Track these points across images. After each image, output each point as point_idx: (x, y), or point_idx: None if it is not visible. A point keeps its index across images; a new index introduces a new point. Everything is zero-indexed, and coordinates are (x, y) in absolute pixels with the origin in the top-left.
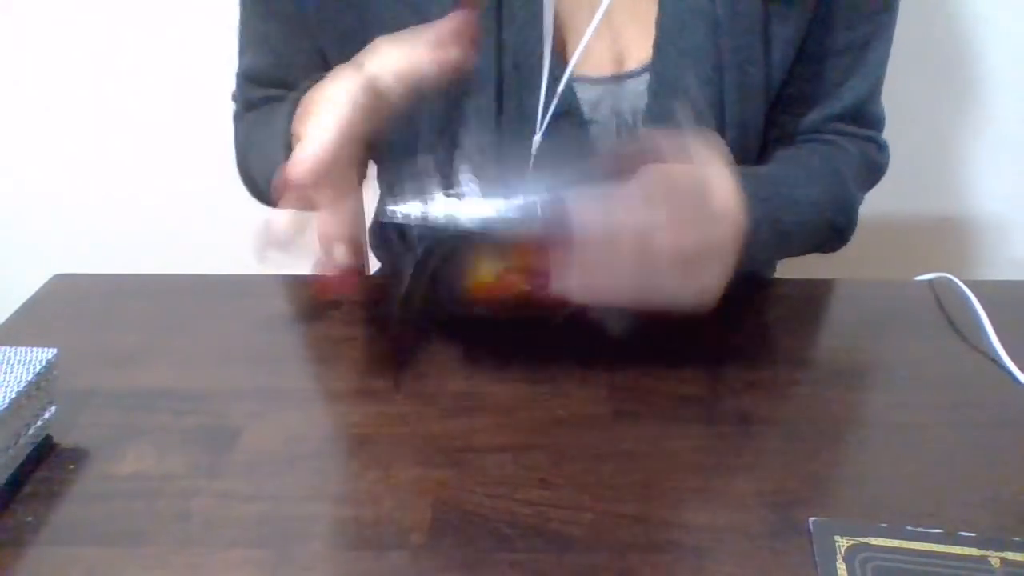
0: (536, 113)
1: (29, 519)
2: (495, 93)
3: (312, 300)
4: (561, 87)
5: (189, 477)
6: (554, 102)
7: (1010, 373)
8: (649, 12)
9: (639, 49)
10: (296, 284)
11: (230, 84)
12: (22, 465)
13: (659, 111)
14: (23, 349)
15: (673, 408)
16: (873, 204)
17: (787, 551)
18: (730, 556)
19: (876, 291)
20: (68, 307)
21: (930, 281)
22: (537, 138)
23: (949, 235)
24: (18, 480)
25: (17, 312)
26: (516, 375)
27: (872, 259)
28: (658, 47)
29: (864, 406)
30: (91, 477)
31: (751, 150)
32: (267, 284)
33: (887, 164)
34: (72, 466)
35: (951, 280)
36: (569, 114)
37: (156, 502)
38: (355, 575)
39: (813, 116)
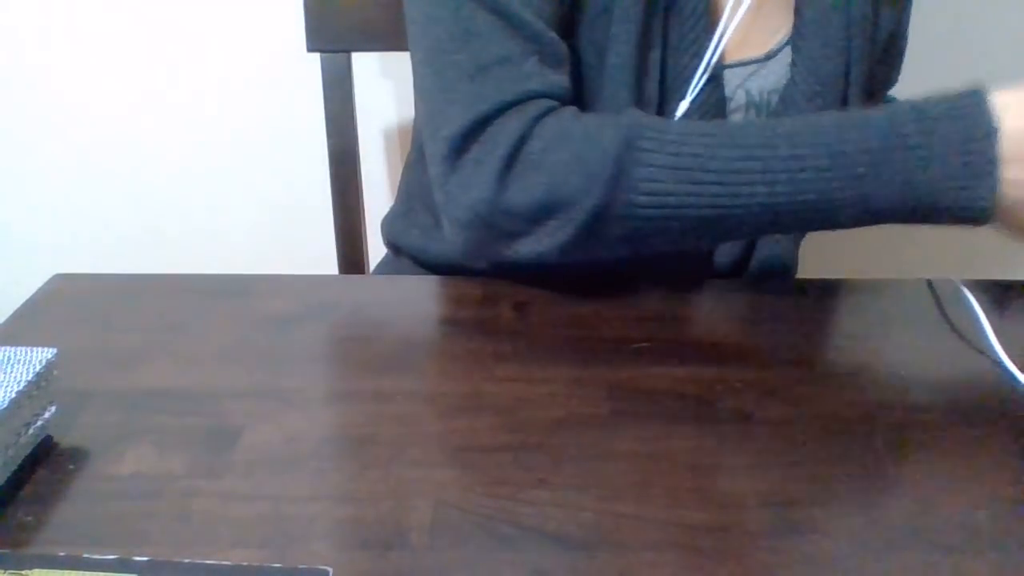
0: (688, 80)
1: (29, 519)
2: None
3: (312, 300)
4: (708, 66)
5: (189, 477)
6: (701, 82)
7: (1010, 373)
8: (779, 2)
9: (764, 39)
10: (296, 284)
11: (231, 83)
12: (22, 465)
13: (799, 93)
14: (23, 349)
15: (673, 408)
16: None
17: (787, 551)
18: (730, 556)
19: (876, 291)
20: (68, 307)
21: (930, 281)
22: (683, 105)
23: (949, 235)
24: (18, 480)
25: (17, 312)
26: (516, 375)
27: (872, 259)
28: (801, 34)
29: (864, 406)
30: (91, 477)
31: None
32: (267, 284)
33: None
34: (72, 466)
35: (951, 280)
36: (712, 93)
37: (156, 502)
38: (355, 575)
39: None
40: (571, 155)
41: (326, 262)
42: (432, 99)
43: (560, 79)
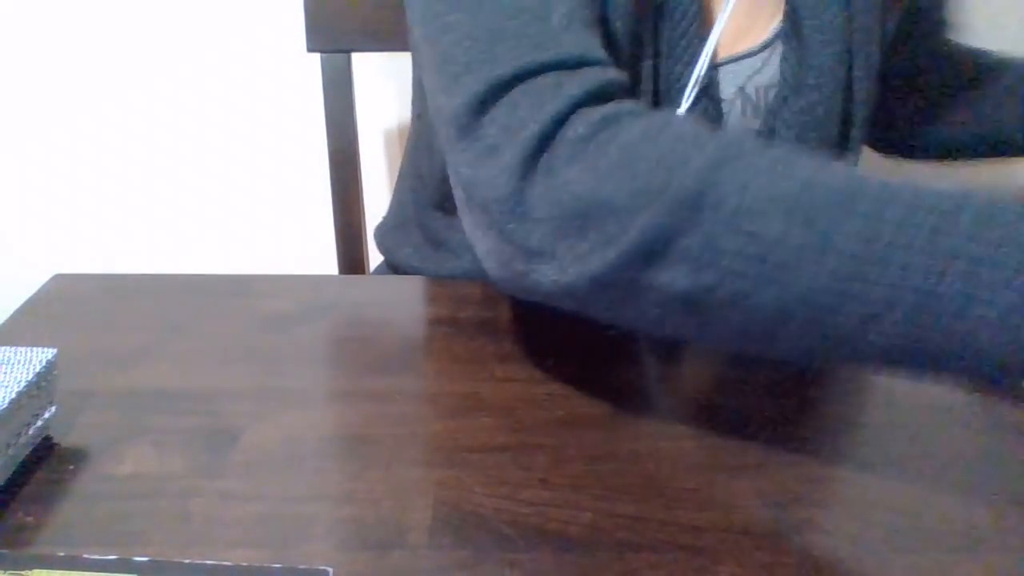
0: (682, 89)
1: (29, 519)
2: (652, 68)
3: (312, 300)
4: (703, 66)
5: (189, 477)
6: (694, 92)
7: None
8: None
9: (760, 27)
10: (296, 284)
11: (231, 83)
12: (22, 465)
13: (795, 86)
14: (23, 349)
15: (673, 408)
16: None
17: (787, 551)
18: (730, 556)
19: None
20: (68, 307)
21: None
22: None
23: None
24: (18, 480)
25: (17, 312)
26: (516, 375)
27: None
28: (793, 23)
29: (864, 406)
30: (91, 477)
31: (872, 131)
32: (267, 284)
33: None
34: (72, 466)
35: None
36: (707, 93)
37: (156, 502)
38: (355, 575)
39: None
40: (641, 150)
41: (326, 262)
42: (437, 71)
43: (598, 42)
